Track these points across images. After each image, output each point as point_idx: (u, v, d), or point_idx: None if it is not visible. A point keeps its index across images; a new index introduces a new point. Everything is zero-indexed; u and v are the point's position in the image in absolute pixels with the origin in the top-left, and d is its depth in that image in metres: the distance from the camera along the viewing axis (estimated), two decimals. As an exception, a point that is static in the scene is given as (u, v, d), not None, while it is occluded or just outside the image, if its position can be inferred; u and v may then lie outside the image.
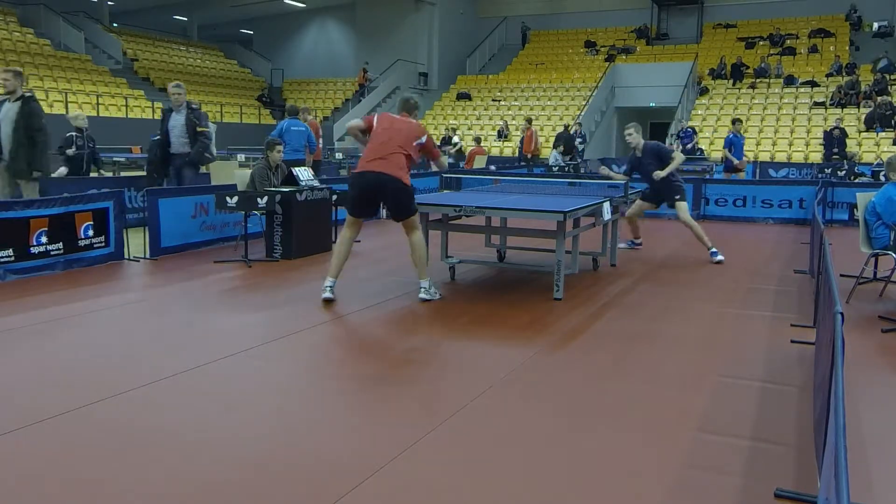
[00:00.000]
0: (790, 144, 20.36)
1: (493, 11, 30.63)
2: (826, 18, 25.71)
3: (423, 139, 5.91)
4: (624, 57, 26.49)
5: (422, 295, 5.95)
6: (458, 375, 4.17)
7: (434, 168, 13.34)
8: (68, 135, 10.39)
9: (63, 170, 10.23)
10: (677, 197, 8.16)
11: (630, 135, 8.19)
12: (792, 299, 6.21)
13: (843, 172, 15.91)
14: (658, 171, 7.99)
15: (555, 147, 18.75)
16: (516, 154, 20.86)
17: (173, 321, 5.28)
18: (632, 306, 5.92)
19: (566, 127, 20.31)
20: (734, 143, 13.98)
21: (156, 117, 21.97)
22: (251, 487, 2.81)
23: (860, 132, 19.61)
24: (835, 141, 18.14)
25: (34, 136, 7.39)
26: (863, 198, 6.30)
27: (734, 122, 14.75)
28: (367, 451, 3.13)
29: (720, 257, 7.99)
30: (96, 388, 3.77)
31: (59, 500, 2.71)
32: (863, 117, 20.07)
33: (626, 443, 3.28)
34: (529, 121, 19.45)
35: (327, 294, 5.89)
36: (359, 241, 8.93)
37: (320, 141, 13.46)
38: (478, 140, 19.88)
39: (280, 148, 8.39)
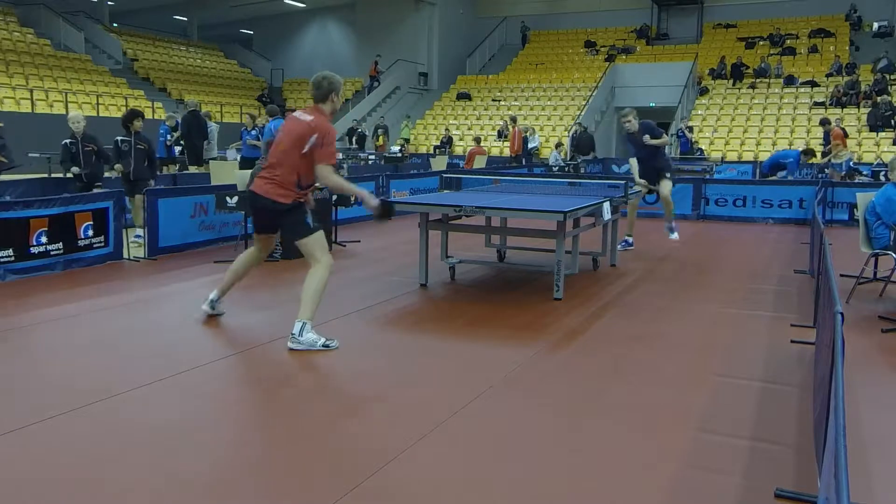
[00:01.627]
0: (790, 144, 20.33)
1: (493, 11, 30.60)
2: (826, 18, 25.70)
3: (313, 139, 4.55)
4: (624, 57, 26.48)
5: (290, 345, 4.52)
6: (458, 375, 4.17)
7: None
8: (67, 142, 8.38)
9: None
10: (667, 174, 8.68)
11: (629, 122, 8.43)
12: (792, 299, 6.21)
13: (843, 172, 15.89)
14: (648, 139, 8.38)
15: (577, 149, 19.01)
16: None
17: (173, 321, 5.27)
18: (632, 306, 5.91)
19: (585, 128, 20.87)
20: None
21: (156, 117, 21.97)
22: (251, 487, 2.81)
23: (860, 132, 19.61)
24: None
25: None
26: (863, 198, 6.30)
27: (823, 122, 13.01)
28: (367, 451, 3.13)
29: (676, 235, 8.89)
30: (96, 388, 3.77)
31: (59, 500, 2.71)
32: (863, 117, 20.08)
33: (626, 443, 3.28)
34: (514, 119, 19.33)
35: (206, 307, 5.15)
36: (358, 242, 8.93)
37: None
38: (478, 140, 19.85)
39: None
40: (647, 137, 8.33)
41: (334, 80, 4.83)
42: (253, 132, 13.45)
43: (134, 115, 8.71)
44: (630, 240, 8.85)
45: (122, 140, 8.56)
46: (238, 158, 13.73)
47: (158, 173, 10.14)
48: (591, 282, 6.84)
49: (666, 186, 8.63)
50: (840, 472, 1.61)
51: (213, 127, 14.27)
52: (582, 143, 19.82)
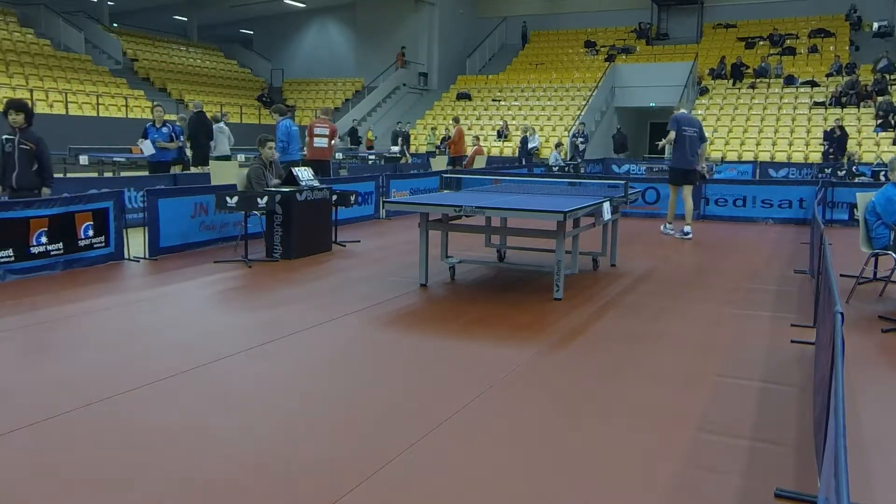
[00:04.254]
0: (790, 144, 20.36)
1: (493, 11, 30.64)
2: (826, 18, 25.72)
3: None
4: (624, 57, 26.50)
5: None
6: (458, 375, 4.17)
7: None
8: None
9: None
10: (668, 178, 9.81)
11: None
12: (792, 299, 6.21)
13: (843, 172, 15.91)
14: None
15: (618, 151, 20.15)
16: (516, 154, 20.80)
17: (173, 321, 5.28)
18: (632, 306, 5.91)
19: (619, 129, 23.14)
20: None
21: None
22: (251, 487, 2.81)
23: (860, 132, 19.62)
24: (835, 141, 18.14)
25: None
26: (863, 198, 6.30)
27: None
28: (367, 452, 3.13)
29: (674, 234, 9.64)
30: (96, 388, 3.78)
31: (59, 500, 2.71)
32: (863, 117, 20.09)
33: (626, 443, 3.28)
34: (457, 119, 19.10)
35: None
36: (358, 242, 8.94)
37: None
38: (477, 139, 19.85)
39: (272, 144, 8.21)
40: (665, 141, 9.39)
41: None
42: (164, 130, 11.55)
43: (9, 105, 6.65)
44: (688, 229, 9.81)
45: (6, 139, 6.75)
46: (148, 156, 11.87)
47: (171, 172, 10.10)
48: (591, 282, 6.84)
49: (685, 190, 9.66)
50: (840, 472, 1.61)
51: (224, 128, 14.03)
52: (617, 143, 22.80)
